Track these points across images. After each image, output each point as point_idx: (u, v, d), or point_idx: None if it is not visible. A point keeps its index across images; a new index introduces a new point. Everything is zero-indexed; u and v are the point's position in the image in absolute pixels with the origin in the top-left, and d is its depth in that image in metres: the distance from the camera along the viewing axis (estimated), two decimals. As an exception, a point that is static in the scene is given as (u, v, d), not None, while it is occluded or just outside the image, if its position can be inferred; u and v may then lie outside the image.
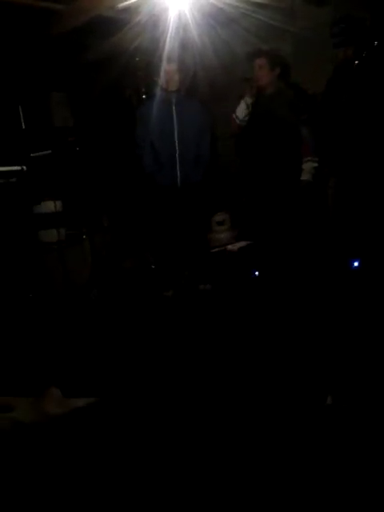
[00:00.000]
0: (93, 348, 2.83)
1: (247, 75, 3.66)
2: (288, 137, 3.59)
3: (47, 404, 1.15)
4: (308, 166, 3.60)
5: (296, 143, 3.62)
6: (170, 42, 3.54)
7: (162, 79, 3.60)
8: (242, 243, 3.78)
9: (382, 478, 1.63)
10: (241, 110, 3.66)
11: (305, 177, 3.61)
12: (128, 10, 3.78)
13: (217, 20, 3.79)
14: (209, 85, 4.12)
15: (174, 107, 3.60)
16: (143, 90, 4.42)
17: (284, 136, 3.58)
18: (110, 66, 4.08)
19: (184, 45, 3.78)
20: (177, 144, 3.59)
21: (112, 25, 3.92)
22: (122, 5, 3.74)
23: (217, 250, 3.92)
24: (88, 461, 1.22)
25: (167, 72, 3.54)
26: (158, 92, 3.64)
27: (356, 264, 3.26)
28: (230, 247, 3.79)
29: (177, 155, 3.60)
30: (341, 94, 3.27)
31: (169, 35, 3.55)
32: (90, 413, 1.17)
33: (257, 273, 3.56)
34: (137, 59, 4.17)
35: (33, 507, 1.09)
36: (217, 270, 3.74)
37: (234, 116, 3.70)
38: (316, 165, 3.62)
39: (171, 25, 3.53)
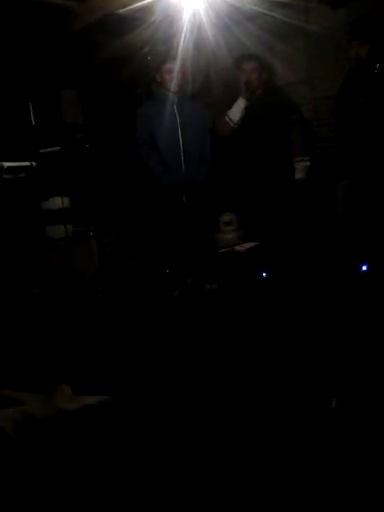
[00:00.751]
0: (98, 346, 2.83)
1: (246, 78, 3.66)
2: (280, 138, 3.61)
3: (59, 400, 1.15)
4: (301, 165, 3.62)
5: (288, 144, 3.64)
6: (182, 42, 3.54)
7: (164, 79, 3.59)
8: (250, 244, 3.78)
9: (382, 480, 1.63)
10: (235, 114, 3.67)
11: (299, 175, 3.63)
12: (142, 9, 3.78)
13: (232, 19, 3.77)
14: (221, 85, 4.11)
15: (176, 107, 3.59)
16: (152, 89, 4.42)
17: (276, 137, 3.59)
18: (122, 64, 4.08)
19: (198, 45, 3.78)
20: (181, 144, 3.60)
21: (125, 23, 3.92)
22: (136, 4, 3.74)
23: (224, 250, 3.91)
24: (99, 457, 1.22)
25: (171, 71, 3.54)
26: (161, 92, 3.63)
27: (365, 267, 3.25)
28: (237, 248, 3.78)
29: (182, 155, 3.60)
30: (356, 97, 3.26)
31: (182, 35, 3.55)
32: (103, 410, 1.17)
33: (265, 274, 3.55)
34: (148, 58, 4.17)
35: (42, 501, 1.09)
36: (224, 270, 3.73)
37: (226, 119, 3.70)
38: (308, 164, 3.63)
39: (185, 25, 3.53)
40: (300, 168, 3.64)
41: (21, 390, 1.29)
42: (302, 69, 3.95)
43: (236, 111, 3.68)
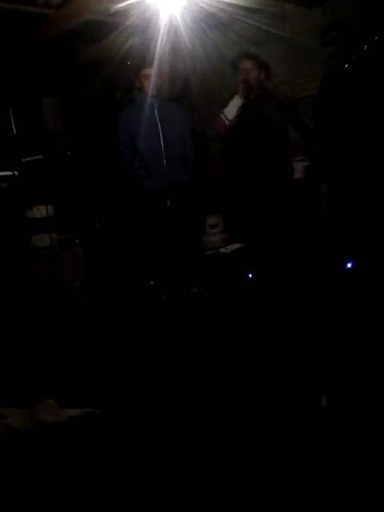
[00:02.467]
0: (86, 354, 2.82)
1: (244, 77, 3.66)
2: (278, 137, 3.62)
3: (42, 413, 1.14)
4: (300, 164, 3.63)
5: (285, 143, 3.65)
6: (159, 46, 3.54)
7: (142, 84, 3.59)
8: (236, 245, 3.78)
9: (375, 478, 1.64)
10: (231, 112, 3.67)
11: (298, 175, 3.64)
12: (119, 13, 3.77)
13: (208, 24, 3.79)
14: (200, 89, 4.12)
15: (156, 111, 3.59)
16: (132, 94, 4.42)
17: (274, 136, 3.60)
18: (101, 69, 4.07)
19: (175, 48, 3.78)
20: (163, 148, 3.60)
21: (103, 29, 3.92)
22: (112, 9, 3.74)
23: (210, 252, 3.92)
24: (84, 469, 1.22)
25: (149, 76, 3.53)
26: (140, 97, 3.63)
27: (349, 265, 3.27)
28: (223, 250, 3.79)
29: (164, 159, 3.60)
30: (332, 97, 3.29)
31: (159, 39, 3.55)
32: (87, 422, 1.16)
33: (250, 275, 3.56)
34: (128, 63, 4.17)
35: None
36: (210, 272, 3.74)
37: (222, 117, 3.69)
38: (307, 164, 3.65)
39: (162, 29, 3.53)
40: (299, 168, 3.66)
41: (6, 404, 1.27)
42: (281, 71, 3.98)
43: (231, 109, 3.67)
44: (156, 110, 3.59)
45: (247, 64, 3.60)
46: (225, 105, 3.69)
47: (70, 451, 1.17)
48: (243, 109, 3.63)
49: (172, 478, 1.76)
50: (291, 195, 3.63)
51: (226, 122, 3.68)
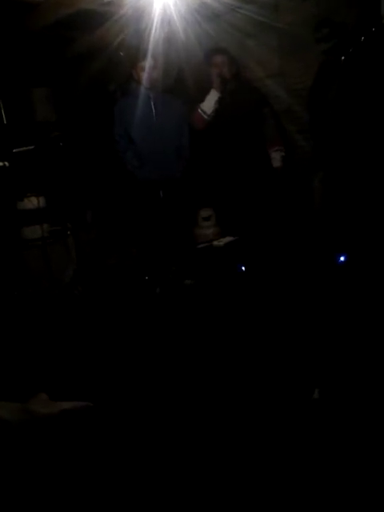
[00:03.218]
0: (78, 346, 2.80)
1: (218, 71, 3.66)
2: (255, 128, 3.63)
3: (34, 406, 1.13)
4: (278, 154, 3.65)
5: (260, 137, 3.67)
6: (153, 37, 3.51)
7: (139, 75, 3.56)
8: (228, 238, 3.78)
9: (368, 472, 1.65)
10: (208, 106, 3.68)
11: (277, 164, 3.67)
12: (112, 3, 3.73)
13: (201, 14, 3.76)
14: (194, 79, 4.09)
15: (152, 103, 3.57)
16: (128, 85, 4.38)
17: (251, 128, 3.62)
18: (94, 60, 4.03)
19: (169, 39, 3.75)
20: (158, 140, 3.58)
21: (95, 18, 3.87)
22: (105, -2, 3.69)
23: (203, 245, 3.91)
24: (78, 461, 1.21)
25: (144, 68, 3.51)
26: (136, 88, 3.61)
27: (342, 258, 3.28)
28: (215, 243, 3.78)
29: (158, 151, 3.58)
30: (327, 90, 3.28)
31: (153, 30, 3.52)
32: (80, 415, 1.15)
33: (243, 268, 3.56)
34: (122, 54, 4.12)
35: (20, 506, 1.08)
36: (203, 265, 3.73)
37: (200, 111, 3.70)
38: (284, 154, 3.66)
39: (155, 19, 3.50)
40: (277, 157, 3.68)
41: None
42: (275, 62, 3.96)
43: (209, 103, 3.68)
44: (152, 101, 3.57)
45: (219, 58, 3.62)
46: (201, 100, 3.70)
47: (63, 444, 1.17)
48: (220, 102, 3.64)
49: (165, 468, 1.77)
50: (273, 185, 3.65)
51: (205, 117, 3.68)
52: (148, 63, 3.49)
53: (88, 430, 1.18)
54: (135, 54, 3.72)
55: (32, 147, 4.10)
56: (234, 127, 3.65)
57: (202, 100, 3.70)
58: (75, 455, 1.26)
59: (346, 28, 3.24)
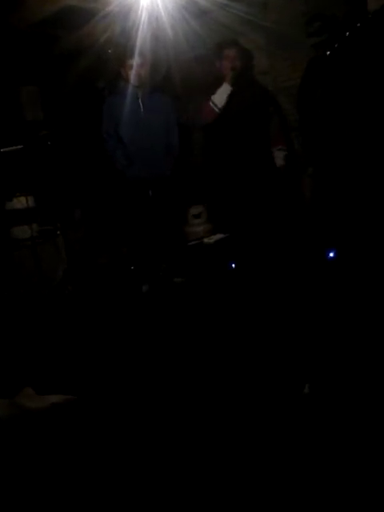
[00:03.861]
0: (68, 345, 2.79)
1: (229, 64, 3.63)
2: (262, 125, 3.62)
3: (23, 400, 1.12)
4: (281, 153, 3.65)
5: (264, 134, 3.66)
6: (141, 34, 3.50)
7: (127, 73, 3.55)
8: (219, 236, 3.78)
9: (358, 467, 1.66)
10: (220, 99, 3.64)
11: (280, 163, 3.66)
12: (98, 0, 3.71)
13: (189, 11, 3.75)
14: (182, 77, 4.08)
15: (141, 101, 3.56)
16: (116, 83, 4.36)
17: (259, 124, 3.61)
18: (82, 58, 4.00)
19: (156, 36, 3.74)
20: (146, 138, 3.57)
21: (82, 15, 3.85)
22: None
23: (193, 243, 3.91)
24: (67, 454, 1.21)
25: (132, 66, 3.50)
26: (124, 86, 3.59)
27: (332, 254, 3.30)
28: (206, 240, 3.78)
29: (147, 149, 3.57)
30: (316, 87, 3.29)
31: (140, 27, 3.51)
32: (70, 408, 1.15)
33: (233, 265, 3.56)
34: (109, 51, 4.10)
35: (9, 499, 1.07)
36: (194, 262, 3.73)
37: (210, 104, 3.66)
38: (286, 153, 3.66)
39: (143, 16, 3.48)
40: (280, 156, 3.68)
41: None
42: (263, 60, 3.97)
43: (221, 97, 3.65)
44: (140, 99, 3.55)
45: (232, 51, 3.59)
46: (211, 92, 3.66)
47: (55, 438, 1.16)
48: (231, 96, 3.62)
49: (154, 462, 1.77)
50: (275, 183, 3.64)
51: (216, 110, 3.65)
52: (136, 61, 3.47)
53: (79, 423, 1.18)
54: (123, 51, 3.70)
55: (20, 147, 4.07)
56: (240, 123, 3.63)
57: (213, 93, 3.66)
58: (68, 449, 1.26)
59: (337, 21, 3.24)
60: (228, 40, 3.66)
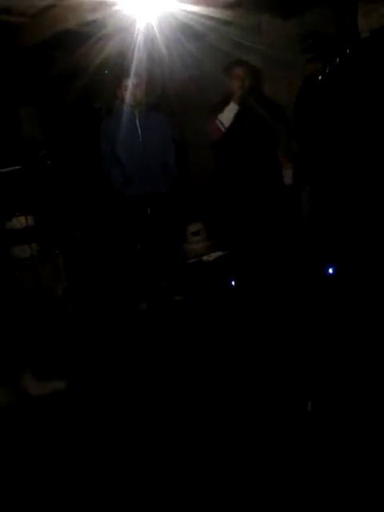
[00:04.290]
0: (68, 364, 2.79)
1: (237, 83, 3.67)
2: (271, 143, 3.66)
3: (26, 385, 1.14)
4: (289, 171, 3.68)
5: (271, 152, 3.69)
6: (136, 55, 3.55)
7: (122, 94, 3.59)
8: (218, 253, 3.79)
9: (361, 482, 1.67)
10: (227, 118, 3.68)
11: (288, 182, 3.69)
12: (95, 23, 3.77)
13: (184, 34, 3.82)
14: (177, 97, 4.14)
15: (137, 121, 3.60)
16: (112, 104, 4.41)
17: (267, 143, 3.64)
18: (79, 79, 4.06)
19: (152, 58, 3.79)
20: (143, 157, 3.60)
21: (79, 38, 3.90)
22: (89, 19, 3.73)
23: (192, 260, 3.92)
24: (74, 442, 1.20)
25: (127, 86, 3.54)
26: (120, 106, 3.63)
27: (331, 271, 3.32)
28: (205, 258, 3.79)
29: (144, 168, 3.61)
30: (311, 105, 3.34)
31: (136, 48, 3.56)
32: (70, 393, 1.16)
33: (233, 283, 3.57)
34: (106, 72, 4.16)
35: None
36: (193, 280, 3.74)
37: (217, 122, 3.70)
38: (294, 171, 3.70)
39: (139, 38, 3.54)
40: (289, 174, 3.70)
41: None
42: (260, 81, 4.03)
43: (228, 115, 3.68)
44: (137, 119, 3.60)
45: (240, 71, 3.64)
46: (216, 111, 3.70)
47: (57, 424, 1.17)
48: (239, 116, 3.66)
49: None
50: (281, 201, 3.66)
51: (222, 129, 3.69)
52: (131, 81, 3.52)
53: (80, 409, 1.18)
54: (119, 72, 3.75)
55: (18, 167, 4.10)
56: (246, 141, 3.67)
57: (221, 111, 3.70)
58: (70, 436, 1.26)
59: (331, 39, 3.31)
60: (237, 60, 3.70)
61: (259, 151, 3.65)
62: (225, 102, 3.70)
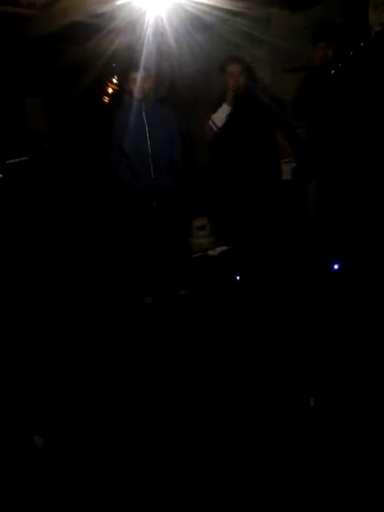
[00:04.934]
0: (73, 356, 2.80)
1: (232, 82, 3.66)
2: (266, 141, 3.64)
3: None
4: (288, 166, 3.66)
5: (273, 146, 3.67)
6: (145, 48, 3.54)
7: (130, 87, 3.58)
8: (223, 248, 3.79)
9: (363, 478, 1.66)
10: (219, 118, 3.68)
11: (286, 177, 3.67)
12: (105, 15, 3.76)
13: (193, 26, 3.80)
14: (186, 90, 4.13)
15: (144, 114, 3.59)
16: (120, 97, 4.40)
17: (262, 141, 3.62)
18: (87, 71, 4.05)
19: (161, 51, 3.78)
20: (150, 151, 3.59)
21: (88, 30, 3.90)
22: (98, 10, 3.72)
23: (198, 255, 3.92)
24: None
25: (135, 80, 3.53)
26: (128, 100, 3.62)
27: (336, 266, 3.30)
28: (210, 252, 3.79)
29: (150, 162, 3.60)
30: (319, 99, 3.31)
31: (145, 41, 3.55)
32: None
33: (238, 277, 3.57)
34: (114, 65, 4.15)
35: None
36: (198, 275, 3.74)
37: (210, 123, 3.71)
38: (294, 165, 3.67)
39: (148, 30, 3.52)
40: (287, 170, 3.69)
41: None
42: (266, 73, 4.02)
43: (220, 116, 3.68)
44: (144, 112, 3.58)
45: (234, 68, 3.62)
46: (212, 109, 3.69)
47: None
48: (232, 116, 3.65)
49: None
50: (279, 197, 3.65)
51: (214, 128, 3.69)
52: (140, 75, 3.51)
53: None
54: (127, 65, 3.74)
55: (25, 158, 4.11)
56: (244, 137, 3.66)
57: (215, 110, 3.70)
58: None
59: (342, 30, 3.28)
60: (232, 56, 3.69)
61: (254, 149, 3.65)
62: (222, 99, 3.69)
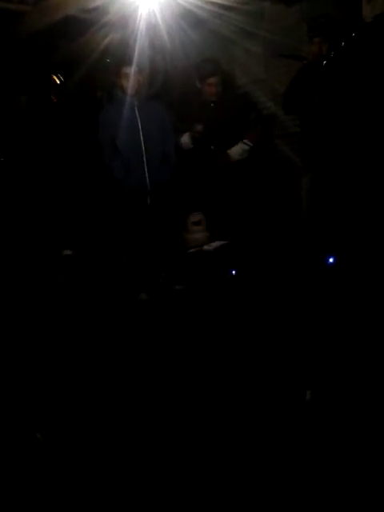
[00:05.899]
0: (67, 353, 2.80)
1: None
2: (241, 135, 3.72)
3: None
4: (239, 146, 3.76)
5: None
6: (138, 43, 3.52)
7: (122, 82, 3.57)
8: (218, 243, 3.79)
9: (358, 472, 1.66)
10: (185, 143, 3.84)
11: (232, 154, 3.77)
12: (97, 10, 3.74)
13: (186, 21, 3.79)
14: (179, 85, 4.11)
15: (136, 110, 3.58)
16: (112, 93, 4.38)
17: (238, 135, 3.71)
18: (80, 67, 4.02)
19: (153, 46, 3.76)
20: (143, 146, 3.58)
21: (81, 26, 3.88)
22: (90, 5, 3.70)
23: (193, 250, 3.92)
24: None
25: (128, 75, 3.51)
26: (120, 95, 3.61)
27: (331, 260, 3.31)
28: (206, 247, 3.79)
29: (144, 158, 3.59)
30: (312, 92, 3.31)
31: (138, 36, 3.53)
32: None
33: (234, 272, 3.57)
34: (107, 60, 4.12)
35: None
36: (193, 270, 3.74)
37: (181, 141, 3.84)
38: (247, 148, 3.76)
39: (141, 25, 3.51)
40: (237, 148, 3.77)
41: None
42: (259, 68, 4.00)
43: (186, 141, 3.85)
44: (136, 108, 3.57)
45: (214, 79, 3.71)
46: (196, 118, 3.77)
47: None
48: (212, 121, 3.73)
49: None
50: (272, 189, 3.67)
51: (182, 148, 3.83)
52: (132, 70, 3.49)
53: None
54: (121, 60, 3.72)
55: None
56: (222, 135, 3.70)
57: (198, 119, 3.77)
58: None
59: (337, 23, 3.28)
60: (209, 69, 3.72)
61: (232, 143, 3.74)
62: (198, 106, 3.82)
